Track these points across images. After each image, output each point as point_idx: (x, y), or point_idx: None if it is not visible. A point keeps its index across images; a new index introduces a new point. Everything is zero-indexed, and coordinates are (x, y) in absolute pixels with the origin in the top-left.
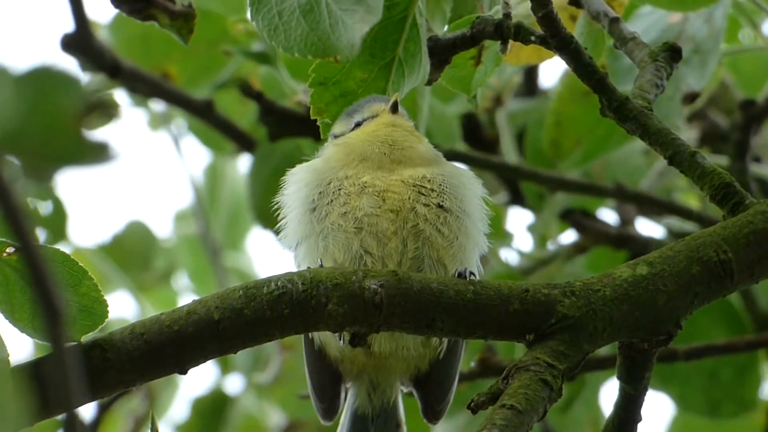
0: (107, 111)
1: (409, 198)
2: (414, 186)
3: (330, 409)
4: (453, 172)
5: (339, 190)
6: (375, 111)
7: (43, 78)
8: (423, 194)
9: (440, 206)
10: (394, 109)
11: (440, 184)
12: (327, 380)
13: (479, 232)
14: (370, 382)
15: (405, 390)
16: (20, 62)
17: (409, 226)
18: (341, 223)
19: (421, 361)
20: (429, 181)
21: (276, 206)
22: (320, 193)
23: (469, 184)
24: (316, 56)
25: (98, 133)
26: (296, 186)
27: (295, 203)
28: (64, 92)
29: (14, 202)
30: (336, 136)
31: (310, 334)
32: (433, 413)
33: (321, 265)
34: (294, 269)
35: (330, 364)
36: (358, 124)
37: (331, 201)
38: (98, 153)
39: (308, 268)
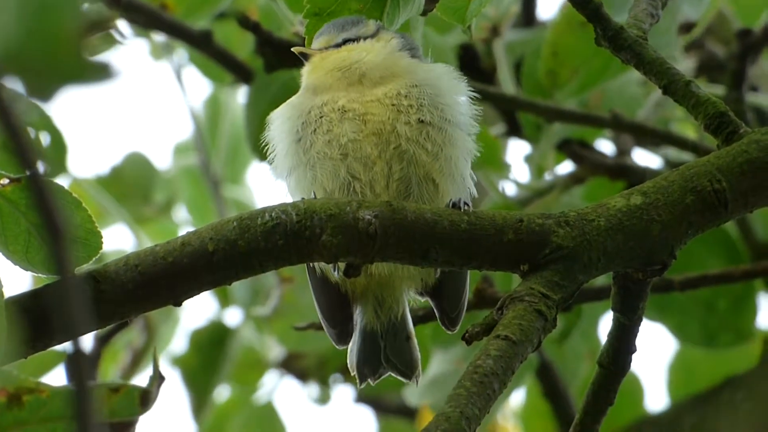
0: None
1: (389, 118)
2: (392, 105)
3: (342, 334)
4: (426, 78)
5: (321, 117)
6: (325, 42)
7: None
8: (401, 111)
9: (421, 121)
10: (304, 57)
11: (417, 98)
12: (335, 305)
13: (465, 138)
14: (375, 299)
15: (422, 299)
16: None
17: (392, 148)
18: (327, 151)
19: (424, 274)
20: (405, 96)
21: (264, 144)
22: (303, 123)
23: (446, 88)
24: None
25: (102, 57)
26: (279, 120)
27: (281, 136)
28: (65, 11)
29: (15, 122)
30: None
31: (312, 264)
32: (449, 320)
33: (314, 197)
34: (287, 199)
35: (335, 289)
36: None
37: (315, 130)
38: (100, 71)
39: (302, 199)
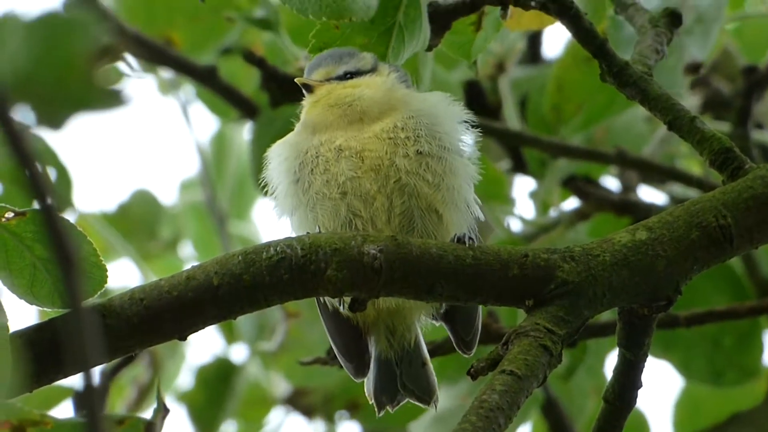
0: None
1: (386, 153)
2: (389, 139)
3: (360, 367)
4: (423, 108)
5: (317, 157)
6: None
7: (54, 23)
8: (398, 145)
9: (419, 152)
10: (307, 89)
11: (414, 129)
12: (349, 338)
13: (466, 164)
14: (387, 328)
15: (436, 324)
16: (31, 9)
17: (392, 182)
18: (325, 192)
19: (434, 304)
20: (402, 129)
21: (263, 183)
22: (300, 163)
23: (443, 115)
24: (331, 18)
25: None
26: (276, 161)
27: (280, 177)
28: (75, 37)
29: (28, 152)
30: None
31: (322, 299)
32: (464, 344)
33: (320, 231)
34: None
35: (348, 322)
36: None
37: (312, 170)
38: (110, 98)
39: (307, 233)
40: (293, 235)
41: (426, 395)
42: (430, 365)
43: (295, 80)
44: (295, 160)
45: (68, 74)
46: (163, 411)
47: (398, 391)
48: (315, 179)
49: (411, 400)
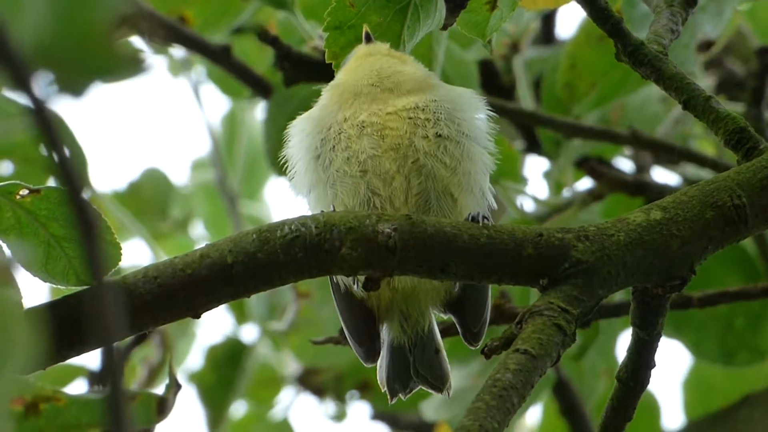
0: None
1: (407, 132)
2: (410, 118)
3: (370, 351)
4: (446, 95)
5: (339, 134)
6: (355, 51)
7: None
8: (419, 125)
9: (438, 135)
10: (368, 39)
11: (434, 112)
12: (361, 322)
13: (482, 152)
14: (401, 314)
15: (444, 316)
16: None
17: (410, 162)
18: (346, 169)
19: (449, 287)
20: (423, 110)
21: (283, 160)
22: (322, 140)
23: (464, 104)
24: None
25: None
26: (298, 137)
27: (300, 153)
28: (96, 5)
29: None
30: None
31: (335, 279)
32: (471, 335)
33: (334, 209)
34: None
35: (361, 306)
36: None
37: (334, 147)
38: (131, 65)
39: (322, 211)
40: (308, 213)
41: (439, 382)
42: (444, 352)
43: (365, 26)
44: (318, 136)
45: (89, 42)
46: (175, 387)
47: (411, 378)
48: (336, 156)
49: (424, 387)
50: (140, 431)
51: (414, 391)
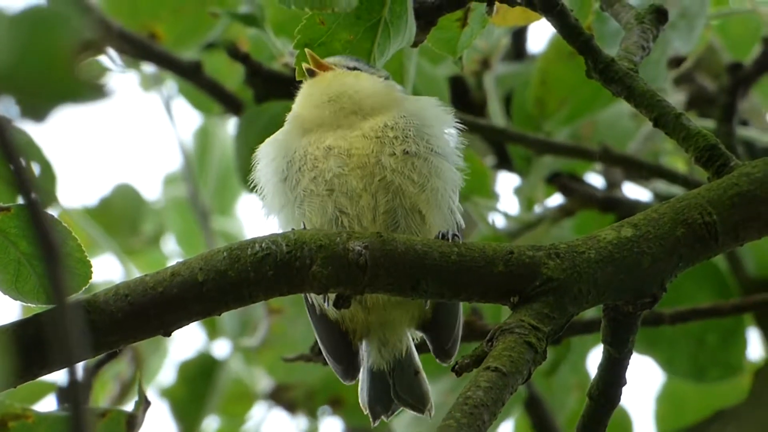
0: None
1: (373, 151)
2: (376, 138)
3: (349, 370)
4: (413, 110)
5: (305, 155)
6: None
7: (38, 16)
8: (386, 144)
9: (406, 152)
10: (311, 74)
11: (403, 129)
12: (338, 342)
13: (451, 169)
14: (379, 340)
15: (416, 334)
16: (14, 2)
17: (377, 180)
18: (313, 188)
19: (421, 308)
20: (391, 128)
21: (252, 184)
22: (288, 162)
23: (433, 119)
24: (313, 9)
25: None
26: (265, 160)
27: (268, 176)
28: (59, 30)
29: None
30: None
31: (309, 299)
32: (443, 353)
33: (305, 227)
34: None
35: (336, 326)
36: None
37: (300, 168)
38: (93, 90)
39: (292, 229)
40: (279, 231)
41: (420, 404)
42: (423, 373)
43: (303, 65)
44: (283, 159)
45: (51, 67)
46: (144, 403)
47: (392, 401)
48: (303, 176)
49: (405, 409)
50: None
51: (396, 413)
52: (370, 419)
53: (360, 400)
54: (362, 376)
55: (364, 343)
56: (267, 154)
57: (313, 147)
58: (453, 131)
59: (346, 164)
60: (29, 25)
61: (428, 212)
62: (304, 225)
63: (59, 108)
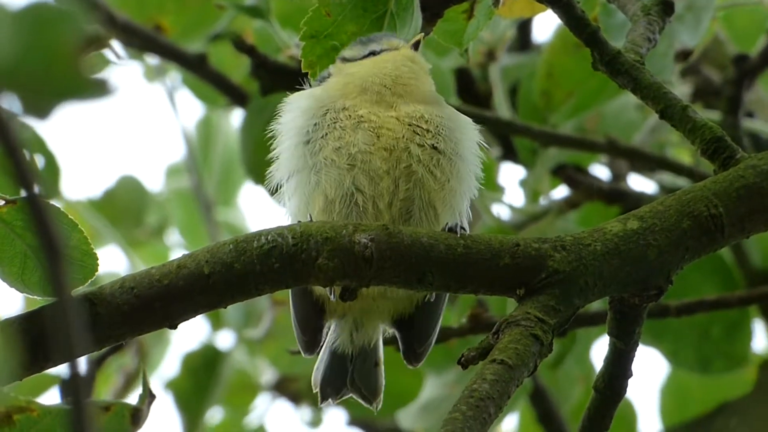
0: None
1: (404, 137)
2: (410, 125)
3: (312, 343)
4: (451, 115)
5: (334, 123)
6: (394, 45)
7: (41, 14)
8: (418, 134)
9: (434, 147)
10: (416, 46)
11: (437, 126)
12: (311, 314)
13: (471, 177)
14: (354, 323)
15: (389, 333)
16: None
17: (402, 167)
18: (334, 159)
19: (408, 303)
20: (426, 121)
21: (270, 134)
22: (315, 124)
23: (465, 129)
24: None
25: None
26: (292, 114)
27: (290, 133)
28: (62, 28)
29: (14, 141)
30: (345, 60)
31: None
32: (414, 355)
33: (310, 219)
34: (285, 200)
35: (315, 299)
36: (372, 53)
37: (326, 134)
38: (97, 87)
39: (299, 222)
40: (285, 200)
41: (371, 395)
42: (382, 366)
43: (419, 38)
44: (311, 119)
45: (55, 64)
46: (149, 396)
47: (345, 386)
48: (327, 144)
49: (355, 397)
50: None
51: (344, 398)
52: (319, 399)
53: (313, 378)
54: (322, 354)
55: (335, 323)
56: (296, 108)
57: (345, 114)
58: (477, 144)
59: (373, 142)
60: (32, 21)
61: (442, 210)
62: (310, 216)
63: (62, 105)
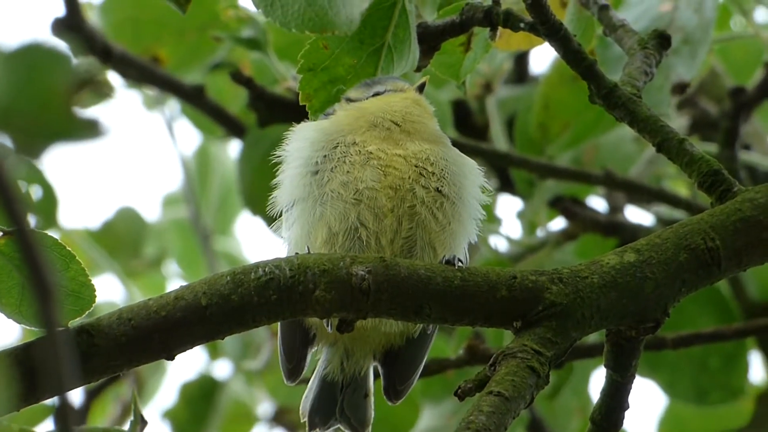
0: (99, 88)
1: (410, 178)
2: (416, 166)
3: (295, 370)
4: (456, 158)
5: (344, 156)
6: (399, 87)
7: (34, 55)
8: (423, 176)
9: (438, 191)
10: (421, 89)
11: (442, 169)
12: (298, 342)
13: (471, 221)
14: (345, 351)
15: (374, 363)
16: (11, 40)
17: (407, 206)
18: (341, 192)
19: (399, 336)
20: (432, 163)
21: (276, 160)
22: (324, 156)
23: (469, 173)
24: (313, 31)
25: (91, 111)
26: (299, 144)
27: (296, 162)
28: (55, 69)
29: (6, 178)
30: (349, 100)
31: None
32: (394, 392)
33: (308, 250)
34: (285, 228)
35: (304, 327)
36: (377, 94)
37: (335, 167)
38: (89, 129)
39: (296, 254)
40: (284, 229)
41: (360, 426)
42: (372, 397)
43: (423, 81)
44: (320, 151)
45: (47, 106)
46: (140, 423)
47: (334, 416)
48: (335, 177)
49: (342, 428)
50: None
51: (332, 428)
52: (307, 428)
53: (301, 407)
54: (312, 383)
55: (325, 350)
56: (305, 138)
57: (354, 149)
58: (480, 191)
59: (380, 180)
60: (25, 62)
61: (441, 251)
62: (309, 249)
63: (54, 146)
